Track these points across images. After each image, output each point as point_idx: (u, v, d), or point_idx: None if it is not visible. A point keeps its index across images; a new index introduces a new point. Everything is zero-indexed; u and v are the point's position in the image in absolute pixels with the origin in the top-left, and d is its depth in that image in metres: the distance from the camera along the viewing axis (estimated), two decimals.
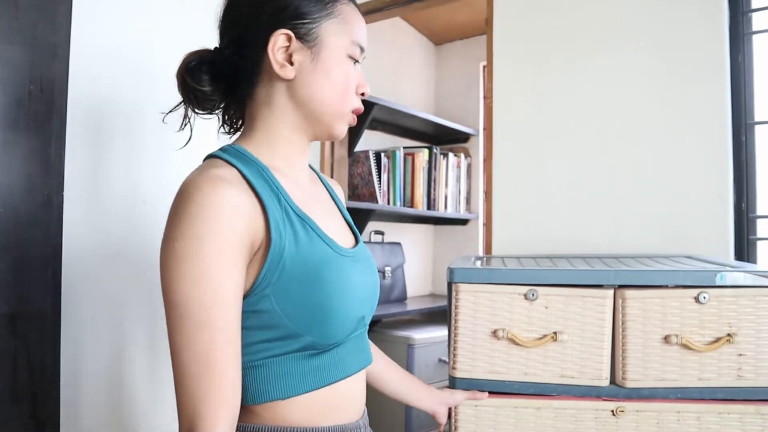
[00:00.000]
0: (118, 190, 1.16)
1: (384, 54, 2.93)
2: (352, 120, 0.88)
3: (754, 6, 1.57)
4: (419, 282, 3.13)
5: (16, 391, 1.08)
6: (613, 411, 1.10)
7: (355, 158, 2.55)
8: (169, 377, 1.23)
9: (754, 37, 1.57)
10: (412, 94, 3.13)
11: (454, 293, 1.16)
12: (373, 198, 2.52)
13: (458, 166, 3.02)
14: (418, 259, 3.11)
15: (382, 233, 2.73)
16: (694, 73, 1.59)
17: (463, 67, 3.22)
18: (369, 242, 2.59)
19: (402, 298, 2.72)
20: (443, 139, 3.17)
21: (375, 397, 2.45)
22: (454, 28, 3.10)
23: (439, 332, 2.52)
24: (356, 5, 0.88)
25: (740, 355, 1.07)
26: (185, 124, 0.87)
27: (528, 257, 1.58)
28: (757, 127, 1.56)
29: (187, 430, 0.68)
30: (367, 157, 2.53)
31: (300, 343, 0.76)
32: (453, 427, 1.15)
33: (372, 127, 2.78)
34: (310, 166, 0.96)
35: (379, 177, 2.58)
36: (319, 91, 0.83)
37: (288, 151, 0.86)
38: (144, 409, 1.20)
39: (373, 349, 1.06)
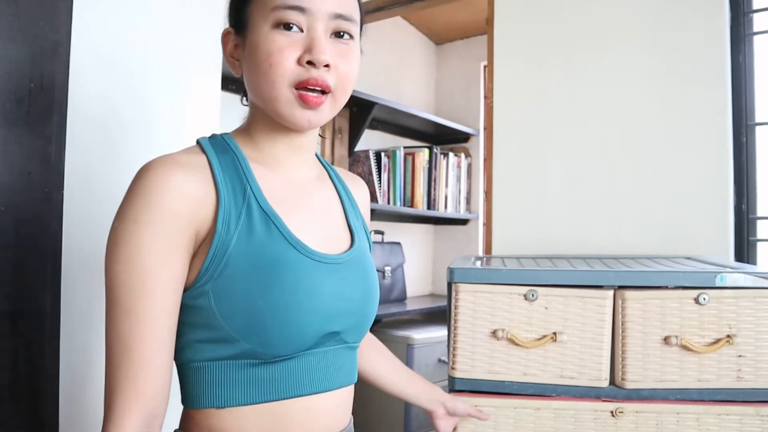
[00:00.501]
0: (118, 188, 1.16)
1: (384, 53, 2.93)
2: (307, 103, 0.71)
3: (755, 7, 1.57)
4: (419, 282, 3.13)
5: (15, 390, 1.08)
6: (612, 412, 1.10)
7: (355, 158, 2.55)
8: (172, 376, 1.23)
9: (755, 38, 1.57)
10: (413, 94, 3.13)
11: (453, 293, 1.16)
12: (373, 197, 2.52)
13: (458, 166, 3.02)
14: (418, 259, 3.11)
15: (382, 233, 2.73)
16: (695, 73, 1.59)
17: (464, 66, 3.21)
18: None
19: (402, 298, 2.72)
20: (443, 138, 3.17)
21: (374, 398, 2.45)
22: (455, 27, 3.10)
23: (439, 332, 2.52)
24: None
25: (740, 356, 1.07)
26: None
27: (528, 257, 1.58)
28: (757, 128, 1.56)
29: (103, 418, 0.65)
30: (368, 157, 2.53)
31: (236, 349, 0.69)
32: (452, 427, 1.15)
33: (372, 127, 2.78)
34: (328, 165, 0.90)
35: (380, 176, 2.58)
36: (251, 77, 0.75)
37: (270, 146, 0.78)
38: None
39: (375, 346, 1.05)
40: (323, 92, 0.72)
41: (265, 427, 0.71)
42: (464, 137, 3.13)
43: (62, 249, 1.14)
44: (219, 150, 0.75)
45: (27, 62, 1.08)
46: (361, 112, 2.48)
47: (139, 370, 0.65)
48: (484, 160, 3.04)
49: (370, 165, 2.52)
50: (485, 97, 3.09)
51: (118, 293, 0.65)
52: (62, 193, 1.14)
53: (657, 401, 1.09)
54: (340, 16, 0.73)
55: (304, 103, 0.72)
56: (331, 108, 0.75)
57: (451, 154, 2.96)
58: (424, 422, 2.39)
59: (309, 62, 0.71)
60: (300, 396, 0.73)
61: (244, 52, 0.75)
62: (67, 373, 1.16)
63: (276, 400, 0.71)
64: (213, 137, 0.78)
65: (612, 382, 1.13)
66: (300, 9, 0.70)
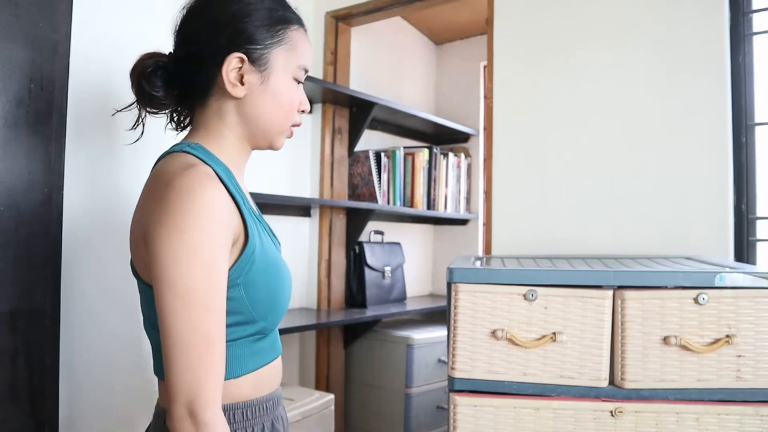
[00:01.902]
0: (117, 189, 1.16)
1: (384, 54, 2.93)
2: (290, 133, 0.96)
3: (754, 7, 1.57)
4: (419, 282, 3.13)
5: (15, 390, 1.08)
6: (612, 412, 1.10)
7: (355, 158, 2.55)
8: None
9: (755, 38, 1.57)
10: (413, 94, 3.13)
11: (453, 293, 1.16)
12: (373, 198, 2.52)
13: (458, 166, 3.02)
14: (417, 259, 3.11)
15: (381, 233, 2.73)
16: (695, 73, 1.59)
17: (464, 66, 3.21)
18: (369, 242, 2.59)
19: (402, 298, 2.72)
20: (443, 138, 3.17)
21: (374, 398, 2.45)
22: (455, 27, 3.10)
23: (439, 332, 2.52)
24: (305, 29, 0.96)
25: (739, 356, 1.07)
26: (137, 125, 0.94)
27: (527, 257, 1.58)
28: (757, 128, 1.56)
29: (186, 404, 0.75)
30: (367, 157, 2.53)
31: (254, 329, 0.86)
32: (452, 428, 1.15)
33: (372, 127, 2.78)
34: None
35: (379, 177, 2.58)
36: (267, 111, 0.90)
37: (236, 157, 0.92)
38: (143, 407, 1.20)
39: None
40: None
41: (256, 387, 0.89)
42: (464, 137, 3.13)
43: (62, 249, 1.14)
44: (212, 161, 0.86)
45: (27, 63, 1.08)
46: (360, 113, 2.48)
47: (221, 357, 0.78)
48: (484, 160, 3.04)
49: (369, 165, 2.52)
50: (485, 97, 3.09)
51: (198, 293, 0.76)
52: (62, 194, 1.14)
53: (656, 401, 1.09)
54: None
55: (290, 134, 0.96)
56: None
57: (450, 154, 2.96)
58: (424, 422, 2.39)
59: (302, 111, 0.95)
60: (276, 358, 0.94)
61: (261, 86, 0.89)
62: (67, 372, 1.16)
63: (265, 365, 0.90)
64: (194, 147, 0.88)
65: (611, 382, 1.13)
66: (306, 71, 0.94)
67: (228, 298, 0.81)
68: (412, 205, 2.75)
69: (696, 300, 1.08)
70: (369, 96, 2.37)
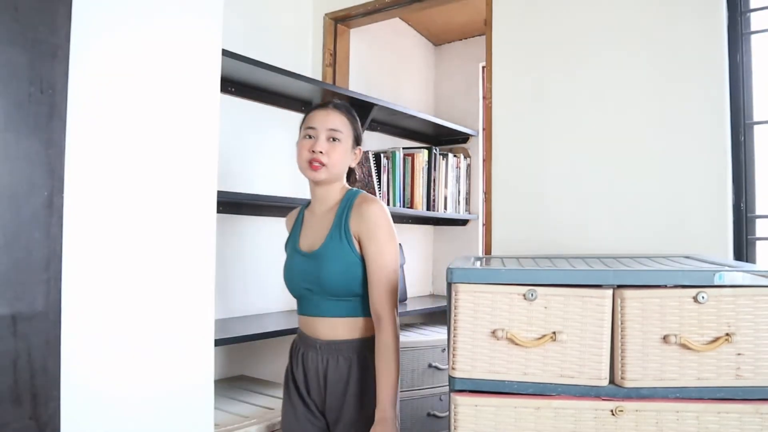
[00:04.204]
0: (118, 192, 1.16)
1: (384, 55, 2.93)
2: (312, 167, 1.47)
3: (752, 6, 1.58)
4: (419, 282, 3.13)
5: (16, 393, 1.08)
6: (612, 411, 1.10)
7: None
8: (171, 377, 1.23)
9: (753, 36, 1.57)
10: (412, 95, 3.14)
11: (453, 293, 1.16)
12: None
13: (458, 167, 3.02)
14: (418, 259, 3.11)
15: None
16: (693, 73, 1.59)
17: (463, 67, 3.22)
18: None
19: (402, 299, 2.72)
20: (443, 139, 3.18)
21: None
22: (454, 28, 3.10)
23: (433, 336, 2.47)
24: (318, 106, 1.53)
25: (739, 354, 1.08)
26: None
27: (527, 257, 1.59)
28: (755, 127, 1.56)
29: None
30: (367, 158, 2.53)
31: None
32: (453, 427, 1.15)
33: (372, 128, 2.78)
34: (348, 201, 1.49)
35: (379, 178, 2.58)
36: (296, 159, 1.53)
37: (311, 195, 1.58)
38: (145, 410, 1.21)
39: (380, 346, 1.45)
40: (322, 164, 1.47)
41: (302, 325, 1.54)
42: (463, 138, 3.13)
43: (63, 252, 1.15)
44: (306, 204, 1.64)
45: (27, 66, 1.08)
46: (360, 114, 2.45)
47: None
48: (483, 160, 3.04)
49: (369, 166, 2.52)
50: (484, 97, 3.09)
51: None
52: (62, 197, 1.15)
53: (657, 400, 1.10)
54: (331, 129, 1.49)
55: (311, 167, 1.48)
56: (326, 172, 1.48)
57: (450, 155, 2.96)
58: (411, 430, 2.36)
59: (312, 151, 1.47)
60: (306, 315, 1.51)
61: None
62: (69, 375, 1.16)
63: (302, 315, 1.54)
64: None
65: (612, 381, 1.13)
66: (312, 128, 1.49)
67: None
68: (411, 206, 2.75)
69: (695, 299, 1.08)
70: (368, 97, 2.37)
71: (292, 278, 1.52)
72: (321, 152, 1.45)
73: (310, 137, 1.49)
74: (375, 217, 1.44)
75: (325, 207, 1.52)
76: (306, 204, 1.62)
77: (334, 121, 1.49)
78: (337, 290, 1.45)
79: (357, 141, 1.56)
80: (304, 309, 1.52)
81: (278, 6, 2.34)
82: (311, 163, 1.46)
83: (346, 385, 1.45)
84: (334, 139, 1.48)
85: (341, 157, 1.49)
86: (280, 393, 1.86)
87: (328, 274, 1.44)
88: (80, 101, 1.17)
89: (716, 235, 1.54)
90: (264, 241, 2.25)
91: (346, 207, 1.48)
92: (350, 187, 1.56)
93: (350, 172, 1.60)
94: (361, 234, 1.44)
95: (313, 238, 1.50)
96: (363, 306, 1.47)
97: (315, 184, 1.52)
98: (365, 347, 1.47)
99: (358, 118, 1.58)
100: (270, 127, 2.28)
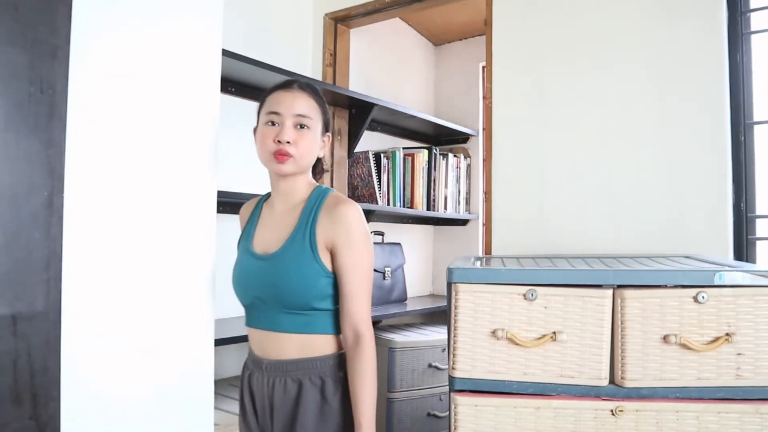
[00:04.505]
0: (118, 192, 1.16)
1: (384, 55, 2.93)
2: (278, 159, 1.26)
3: (752, 6, 1.58)
4: (419, 282, 3.13)
5: (16, 393, 1.08)
6: (612, 411, 1.10)
7: (354, 159, 2.55)
8: (171, 377, 1.23)
9: (753, 36, 1.57)
10: (412, 95, 3.14)
11: (453, 293, 1.16)
12: (372, 199, 2.53)
13: (458, 167, 3.02)
14: (418, 259, 3.11)
15: (382, 234, 2.73)
16: (693, 73, 1.59)
17: (463, 67, 3.22)
18: None
19: (402, 299, 2.72)
20: (443, 139, 3.18)
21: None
22: (454, 28, 3.10)
23: (433, 336, 2.47)
24: (280, 87, 1.31)
25: (739, 354, 1.08)
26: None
27: (527, 257, 1.59)
28: (756, 126, 1.56)
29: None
30: (367, 158, 2.53)
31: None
32: (453, 427, 1.15)
33: (372, 128, 2.78)
34: (318, 199, 1.30)
35: (379, 178, 2.58)
36: (256, 148, 1.32)
37: (271, 188, 1.36)
38: (145, 410, 1.20)
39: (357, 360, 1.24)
40: (289, 156, 1.26)
41: (251, 340, 1.35)
42: (463, 138, 3.13)
43: (63, 252, 1.15)
44: (268, 197, 1.41)
45: (26, 66, 1.08)
46: (360, 114, 2.48)
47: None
48: (484, 160, 3.04)
49: (369, 166, 2.52)
50: (484, 97, 3.09)
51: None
52: (63, 197, 1.15)
53: (657, 400, 1.10)
54: (299, 115, 1.28)
55: (276, 159, 1.26)
56: (293, 164, 1.27)
57: (450, 155, 2.96)
58: (410, 430, 2.35)
59: (278, 140, 1.25)
60: (255, 328, 1.31)
61: (256, 137, 1.33)
62: (69, 375, 1.16)
63: (249, 327, 1.33)
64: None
65: (612, 380, 1.13)
66: (276, 113, 1.28)
67: None
68: (411, 206, 2.75)
69: (695, 299, 1.08)
70: (368, 97, 2.37)
71: (242, 283, 1.31)
72: (288, 142, 1.25)
73: (273, 124, 1.28)
74: (354, 222, 1.25)
75: (288, 204, 1.32)
76: (265, 197, 1.41)
77: (301, 105, 1.28)
78: (293, 301, 1.24)
79: (326, 127, 1.35)
80: (252, 320, 1.31)
81: (278, 6, 2.34)
82: (277, 155, 1.25)
83: (293, 414, 1.24)
84: (302, 126, 1.27)
85: (311, 147, 1.29)
86: None
87: (286, 282, 1.23)
88: (80, 101, 1.17)
89: (716, 235, 1.54)
90: None
91: (314, 207, 1.28)
92: (317, 183, 1.37)
93: (316, 163, 1.38)
94: (335, 241, 1.24)
95: (270, 238, 1.30)
96: (319, 322, 1.26)
97: (278, 177, 1.31)
98: (319, 369, 1.25)
99: (325, 100, 1.37)
100: None
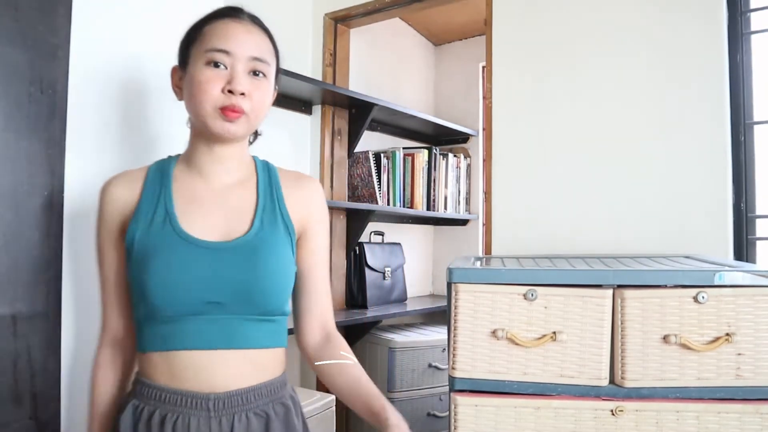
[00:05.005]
0: None
1: (384, 55, 2.93)
2: (227, 116, 0.94)
3: (752, 6, 1.58)
4: (419, 282, 3.13)
5: (16, 393, 1.08)
6: (612, 411, 1.10)
7: (354, 159, 2.55)
8: None
9: (753, 36, 1.57)
10: (412, 95, 3.14)
11: (453, 293, 1.16)
12: (372, 199, 2.53)
13: (458, 167, 3.02)
14: (418, 259, 3.11)
15: (382, 234, 2.73)
16: (693, 72, 1.59)
17: (463, 67, 3.22)
18: (369, 243, 2.59)
19: (402, 299, 2.72)
20: (443, 139, 3.18)
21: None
22: (454, 28, 3.10)
23: (434, 336, 2.48)
24: (223, 17, 0.99)
25: (739, 354, 1.08)
26: None
27: (527, 257, 1.59)
28: (756, 126, 1.56)
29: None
30: (367, 158, 2.53)
31: (143, 310, 0.94)
32: (453, 427, 1.16)
33: (372, 128, 2.78)
34: (270, 171, 1.07)
35: (379, 178, 2.58)
36: (189, 97, 0.97)
37: (197, 158, 1.02)
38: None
39: (339, 368, 1.04)
40: (242, 113, 0.96)
41: (171, 371, 0.93)
42: (463, 138, 3.13)
43: (63, 251, 1.15)
44: (161, 165, 1.03)
45: (27, 66, 1.08)
46: (360, 114, 2.48)
47: (104, 312, 1.03)
48: (484, 160, 3.04)
49: (369, 166, 2.52)
50: (484, 97, 3.09)
51: (98, 266, 1.03)
52: (63, 196, 1.15)
53: (657, 400, 1.10)
54: (255, 59, 0.97)
55: (225, 117, 0.94)
56: (246, 125, 0.97)
57: (450, 155, 2.96)
58: (417, 423, 2.36)
59: (229, 91, 0.94)
60: (194, 350, 0.92)
61: (184, 82, 0.99)
62: (69, 375, 1.16)
63: (174, 350, 0.93)
64: (171, 156, 1.06)
65: (612, 381, 1.13)
66: (225, 52, 0.95)
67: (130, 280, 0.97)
68: (411, 206, 2.75)
69: (695, 299, 1.08)
70: (368, 97, 2.37)
71: (185, 284, 0.91)
72: (243, 93, 0.94)
73: (217, 65, 0.94)
74: (323, 200, 1.07)
75: (231, 176, 1.01)
76: (163, 165, 1.02)
77: (259, 45, 0.98)
78: (269, 304, 0.96)
79: (277, 76, 1.06)
80: (187, 339, 0.91)
81: (278, 6, 2.34)
82: (227, 111, 0.93)
83: None
84: (256, 74, 0.97)
85: (267, 102, 1.01)
86: None
87: (265, 276, 0.94)
88: (80, 101, 1.17)
89: (716, 235, 1.54)
90: None
91: (272, 180, 1.04)
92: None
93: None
94: (308, 221, 1.03)
95: (218, 221, 0.97)
96: (283, 331, 1.01)
97: (216, 140, 0.98)
98: (280, 393, 0.99)
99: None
100: (270, 126, 2.28)
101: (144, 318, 0.95)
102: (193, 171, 1.01)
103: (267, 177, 1.05)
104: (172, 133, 1.25)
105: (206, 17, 0.99)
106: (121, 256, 0.98)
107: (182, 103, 1.01)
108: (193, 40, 0.98)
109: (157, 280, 0.91)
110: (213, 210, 0.98)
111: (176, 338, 0.92)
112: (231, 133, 0.96)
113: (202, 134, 0.99)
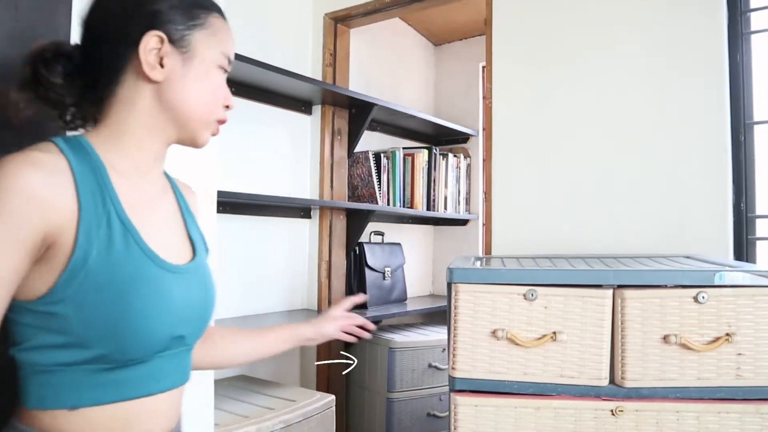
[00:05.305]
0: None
1: (384, 55, 2.93)
2: (216, 130, 0.87)
3: (752, 6, 1.58)
4: (419, 282, 3.13)
5: (16, 393, 1.08)
6: (612, 411, 1.10)
7: (354, 159, 2.55)
8: None
9: (753, 36, 1.57)
10: (412, 95, 3.14)
11: (453, 293, 1.16)
12: (372, 199, 2.53)
13: (458, 167, 3.02)
14: (418, 259, 3.11)
15: (382, 234, 2.73)
16: (693, 72, 1.59)
17: (463, 67, 3.22)
18: (369, 243, 2.59)
19: (402, 299, 2.72)
20: (443, 139, 3.18)
21: (368, 400, 2.43)
22: (454, 28, 3.10)
23: (434, 336, 2.48)
24: (226, 19, 0.89)
25: (739, 354, 1.08)
26: (18, 114, 0.82)
27: (527, 257, 1.59)
28: (756, 126, 1.56)
29: None
30: (367, 158, 2.53)
31: (90, 354, 0.72)
32: (453, 427, 1.16)
33: (372, 128, 2.78)
34: (166, 174, 0.92)
35: (379, 178, 2.58)
36: (191, 97, 0.82)
37: (140, 154, 0.82)
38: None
39: (228, 332, 1.05)
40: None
41: (112, 427, 0.75)
42: (463, 138, 3.13)
43: None
44: (77, 153, 0.76)
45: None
46: (360, 114, 2.48)
47: None
48: (484, 160, 3.04)
49: (369, 166, 2.52)
50: (484, 97, 3.09)
51: None
52: None
53: (657, 400, 1.10)
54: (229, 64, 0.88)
55: (215, 130, 0.87)
56: None
57: (450, 155, 2.96)
58: (410, 429, 2.35)
59: (227, 106, 0.87)
60: (147, 396, 0.78)
61: (182, 69, 0.82)
62: None
63: (124, 401, 0.76)
64: (68, 139, 0.78)
65: (612, 381, 1.13)
66: (230, 61, 0.87)
67: (53, 314, 0.71)
68: (411, 206, 2.75)
69: (696, 299, 1.08)
70: (368, 97, 2.37)
71: (162, 320, 0.77)
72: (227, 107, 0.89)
73: (224, 72, 0.87)
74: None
75: (158, 184, 0.87)
76: (80, 149, 0.77)
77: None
78: (203, 331, 0.88)
79: None
80: (147, 383, 0.78)
81: (278, 6, 2.34)
82: (220, 123, 0.88)
83: None
84: None
85: None
86: (280, 393, 1.86)
87: (214, 298, 0.90)
88: None
89: (716, 235, 1.54)
90: (264, 241, 2.25)
91: (176, 188, 0.93)
92: None
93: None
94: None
95: (168, 236, 0.84)
96: None
97: (184, 146, 0.88)
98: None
99: None
100: (270, 126, 2.28)
101: (86, 362, 0.72)
102: (129, 168, 0.81)
103: (173, 185, 0.93)
104: None
105: (207, 2, 0.87)
106: (20, 267, 0.70)
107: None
108: (198, 24, 0.83)
109: (141, 319, 0.73)
110: (159, 221, 0.83)
111: (133, 385, 0.76)
112: (204, 145, 0.88)
113: (169, 136, 0.84)
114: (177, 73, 0.81)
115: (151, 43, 0.79)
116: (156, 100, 0.81)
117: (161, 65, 0.80)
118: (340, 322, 1.14)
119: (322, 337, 1.12)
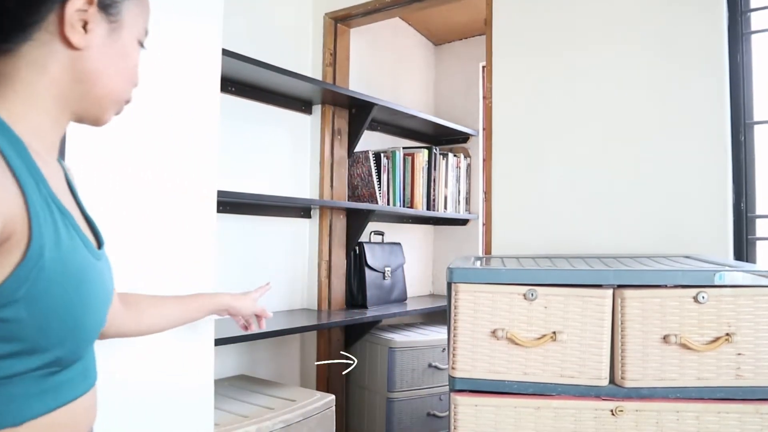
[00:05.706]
0: (118, 192, 1.16)
1: (384, 54, 2.93)
2: (121, 110, 0.79)
3: (752, 6, 1.58)
4: (419, 282, 3.13)
5: None
6: (612, 411, 1.10)
7: (354, 159, 2.55)
8: (171, 377, 1.23)
9: (753, 36, 1.57)
10: (412, 95, 3.14)
11: (453, 293, 1.16)
12: (372, 198, 2.53)
13: (458, 167, 3.02)
14: (418, 259, 3.11)
15: (382, 233, 2.73)
16: (693, 72, 1.59)
17: (463, 67, 3.22)
18: (369, 242, 2.59)
19: (402, 299, 2.72)
20: (443, 139, 3.18)
21: (368, 399, 2.43)
22: (454, 28, 3.10)
23: (434, 336, 2.48)
24: None
25: (739, 354, 1.08)
26: None
27: (527, 257, 1.59)
28: (756, 126, 1.56)
29: None
30: (367, 158, 2.53)
31: (44, 359, 0.64)
32: (453, 427, 1.16)
33: (372, 128, 2.78)
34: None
35: (379, 177, 2.58)
36: (110, 70, 0.74)
37: (50, 129, 0.72)
38: (145, 409, 1.20)
39: (143, 299, 1.05)
40: None
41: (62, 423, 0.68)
42: (463, 138, 3.13)
43: None
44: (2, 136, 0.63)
45: None
46: (360, 113, 2.48)
47: None
48: (484, 160, 3.04)
49: (369, 166, 2.52)
50: (484, 97, 3.09)
51: None
52: None
53: (657, 400, 1.10)
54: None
55: (120, 112, 0.79)
56: None
57: (450, 155, 2.96)
58: (411, 429, 2.36)
59: (135, 83, 0.79)
60: (83, 394, 0.72)
61: (108, 38, 0.73)
62: None
63: (67, 404, 0.68)
64: None
65: (612, 380, 1.13)
66: (147, 32, 0.80)
67: (1, 320, 0.60)
68: (411, 206, 2.75)
69: (696, 298, 1.08)
70: (368, 97, 2.37)
71: (102, 313, 0.74)
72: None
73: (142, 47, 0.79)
74: None
75: (56, 165, 0.76)
76: (3, 136, 0.63)
77: None
78: None
79: None
80: (80, 382, 0.71)
81: (278, 5, 2.34)
82: (126, 103, 0.80)
83: None
84: None
85: None
86: (280, 393, 1.86)
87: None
88: None
89: (716, 235, 1.54)
90: (264, 241, 2.25)
91: (64, 167, 0.81)
92: None
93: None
94: None
95: (81, 223, 0.74)
96: None
97: (84, 124, 0.78)
98: None
99: None
100: (270, 126, 2.28)
101: (35, 369, 0.64)
102: (41, 148, 0.70)
103: (61, 161, 0.82)
104: (174, 131, 1.25)
105: None
106: None
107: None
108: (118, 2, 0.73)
109: (92, 313, 0.69)
110: (72, 207, 0.73)
111: (73, 385, 0.69)
112: (105, 124, 0.80)
113: (74, 111, 0.74)
114: (100, 41, 0.72)
115: (78, 3, 0.68)
116: (69, 68, 0.70)
117: (84, 29, 0.70)
118: (257, 305, 1.26)
119: (236, 311, 1.22)
